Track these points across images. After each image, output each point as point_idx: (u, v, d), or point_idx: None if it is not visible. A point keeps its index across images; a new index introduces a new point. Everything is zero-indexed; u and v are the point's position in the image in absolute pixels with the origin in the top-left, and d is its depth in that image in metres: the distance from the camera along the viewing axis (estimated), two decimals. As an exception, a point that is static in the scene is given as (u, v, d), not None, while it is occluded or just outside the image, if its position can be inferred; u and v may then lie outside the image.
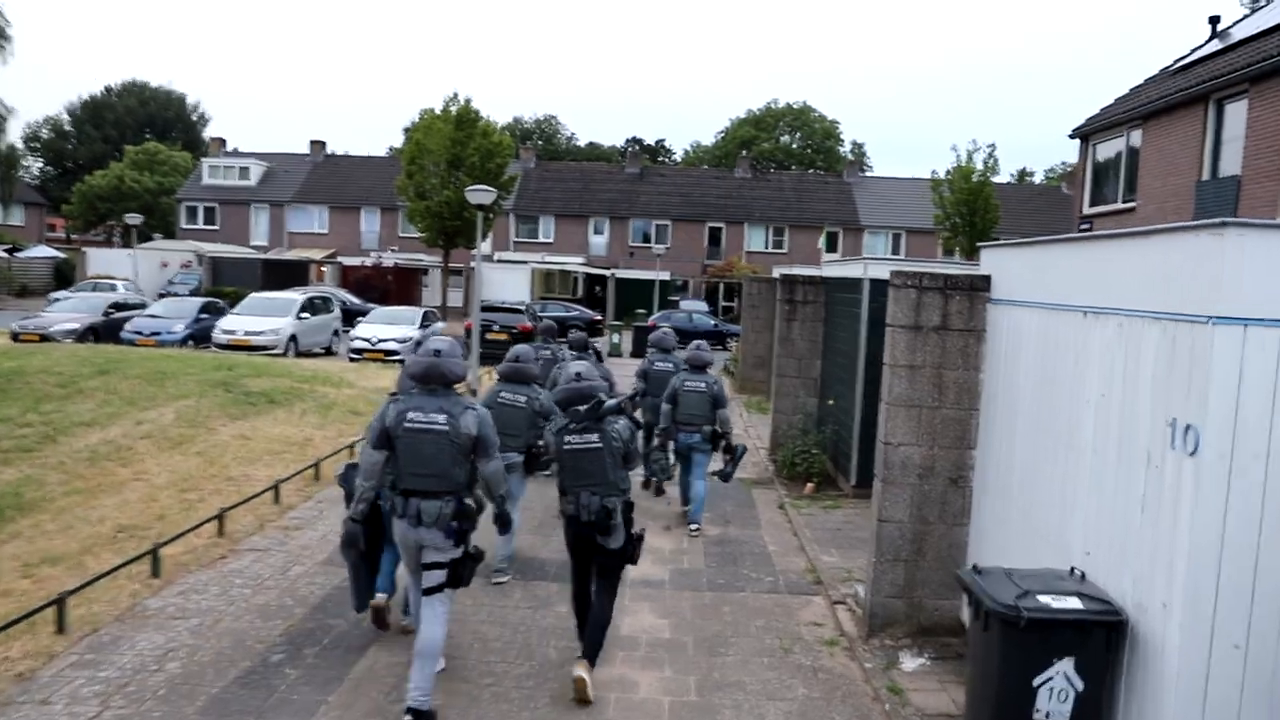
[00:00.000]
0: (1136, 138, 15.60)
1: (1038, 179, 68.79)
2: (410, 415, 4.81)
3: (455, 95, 33.00)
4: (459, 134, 32.06)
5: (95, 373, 13.40)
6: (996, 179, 34.90)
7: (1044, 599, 4.10)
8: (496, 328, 22.23)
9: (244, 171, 52.44)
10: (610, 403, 5.53)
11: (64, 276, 45.74)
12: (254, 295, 24.61)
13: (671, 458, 9.02)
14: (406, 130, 33.81)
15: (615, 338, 28.53)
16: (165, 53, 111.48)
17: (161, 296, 33.35)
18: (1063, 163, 75.70)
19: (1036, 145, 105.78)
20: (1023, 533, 5.41)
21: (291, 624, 6.14)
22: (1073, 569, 4.49)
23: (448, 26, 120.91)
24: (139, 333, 21.90)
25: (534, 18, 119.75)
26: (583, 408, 5.42)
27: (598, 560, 5.52)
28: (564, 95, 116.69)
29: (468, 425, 4.81)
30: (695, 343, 9.31)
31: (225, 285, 40.79)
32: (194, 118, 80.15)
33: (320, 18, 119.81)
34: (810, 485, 10.49)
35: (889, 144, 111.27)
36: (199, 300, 24.61)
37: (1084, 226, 18.02)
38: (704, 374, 8.98)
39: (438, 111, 32.94)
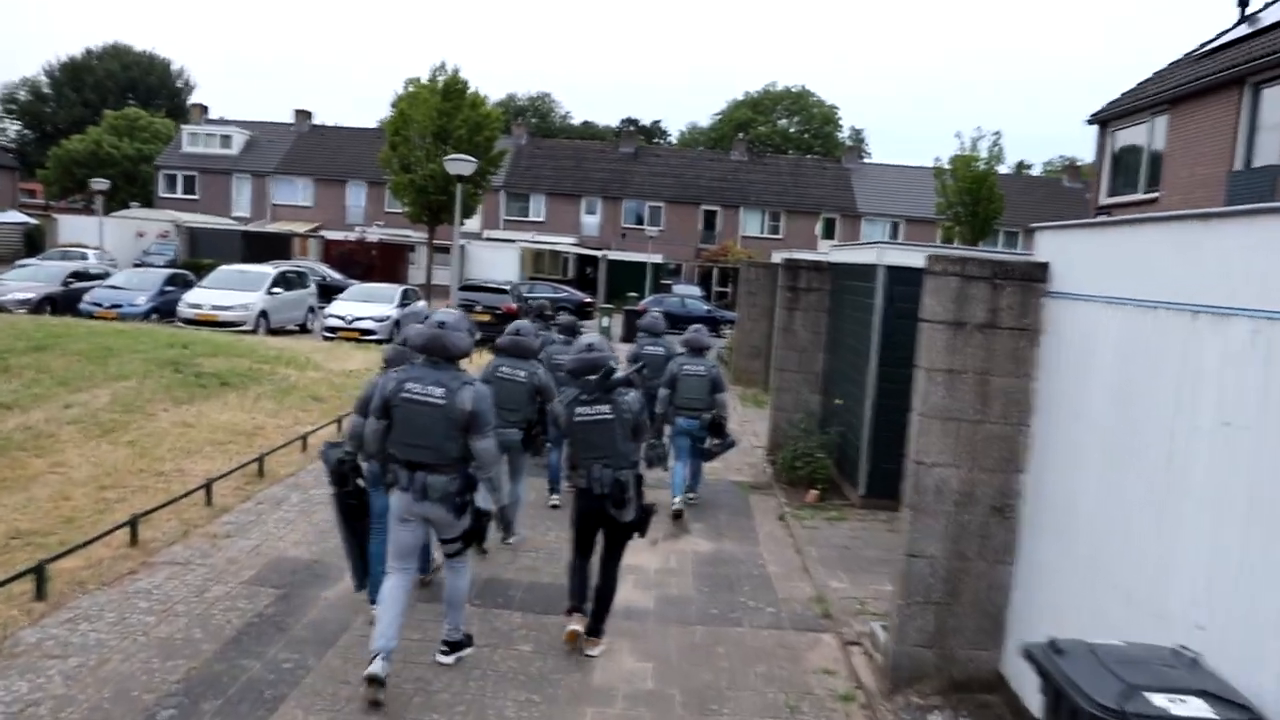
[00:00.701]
0: (1161, 125, 14.57)
1: (1035, 172, 67.69)
2: (408, 386, 4.78)
3: (443, 65, 31.67)
4: (446, 105, 30.76)
5: (30, 348, 12.26)
6: (1001, 169, 33.74)
7: (1158, 700, 3.04)
8: (479, 308, 21.09)
9: (226, 140, 50.95)
10: (620, 374, 5.56)
11: (35, 244, 44.26)
12: (223, 268, 23.38)
13: (668, 443, 8.55)
14: (393, 103, 32.16)
15: (604, 321, 27.43)
16: (147, 15, 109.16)
17: (136, 266, 32.14)
18: (1061, 156, 74.85)
19: (1034, 137, 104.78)
20: (1089, 583, 4.37)
21: (195, 666, 5.06)
22: (1181, 648, 3.44)
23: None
24: (98, 304, 20.71)
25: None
26: (594, 377, 5.44)
27: (606, 532, 5.56)
28: (559, 73, 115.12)
29: (463, 400, 4.74)
30: (694, 326, 9.21)
31: (203, 257, 39.38)
32: (179, 84, 78.13)
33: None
34: (813, 493, 9.45)
35: (888, 132, 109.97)
36: (165, 271, 23.39)
37: (1102, 219, 16.95)
38: (703, 357, 8.84)
39: (424, 81, 31.52)
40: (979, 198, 32.54)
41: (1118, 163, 16.74)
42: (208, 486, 7.94)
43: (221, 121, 53.86)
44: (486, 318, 21.20)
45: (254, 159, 50.58)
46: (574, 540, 5.70)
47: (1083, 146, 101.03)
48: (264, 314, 21.34)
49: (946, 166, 33.84)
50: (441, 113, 30.52)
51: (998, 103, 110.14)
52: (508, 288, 22.25)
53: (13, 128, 76.65)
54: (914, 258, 8.53)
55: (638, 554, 7.40)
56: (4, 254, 44.21)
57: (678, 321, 31.61)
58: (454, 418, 4.72)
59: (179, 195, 50.23)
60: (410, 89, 31.64)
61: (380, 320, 21.28)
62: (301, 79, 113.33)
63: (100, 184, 28.52)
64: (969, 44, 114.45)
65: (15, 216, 49.09)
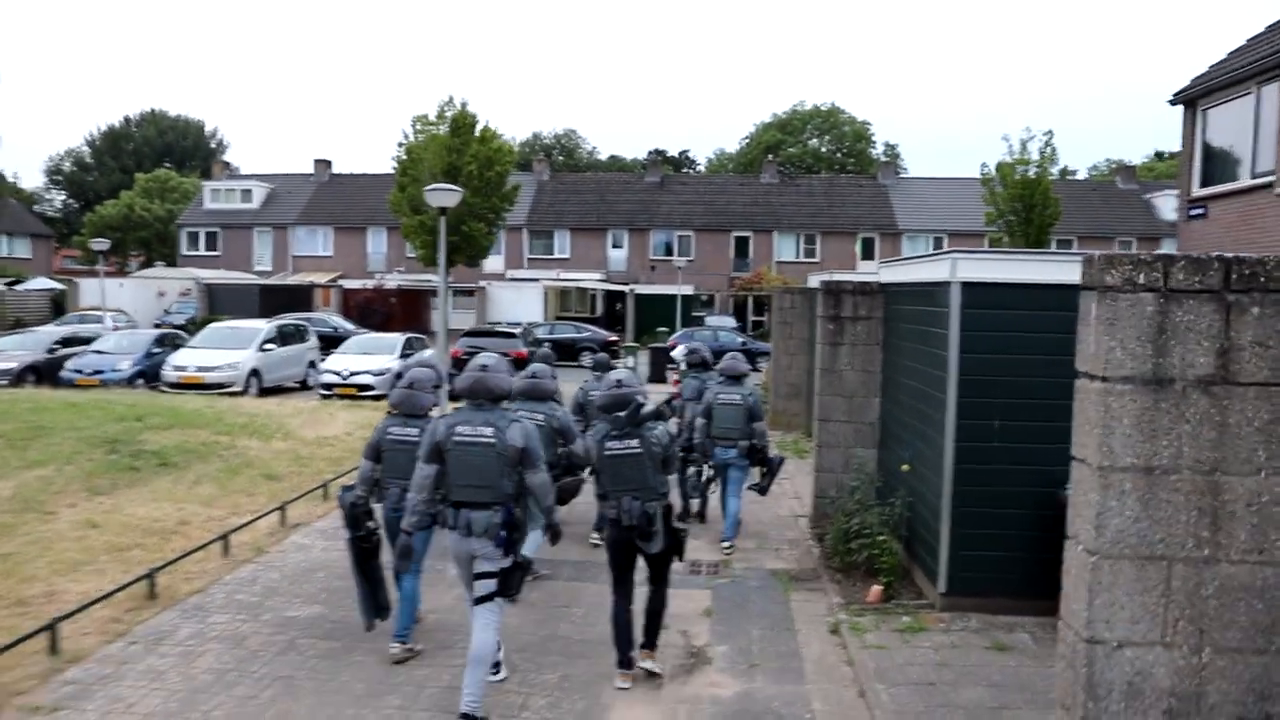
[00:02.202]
0: (1272, 95, 12.17)
1: (1079, 177, 64.56)
2: (459, 429, 4.95)
3: (450, 100, 30.06)
4: (455, 141, 29.07)
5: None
6: (1055, 171, 31.12)
7: None
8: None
9: (246, 194, 50.08)
10: (649, 408, 5.66)
11: (61, 309, 43.68)
12: (213, 325, 21.82)
13: (706, 473, 8.88)
14: (400, 142, 30.63)
15: (630, 361, 25.29)
16: (180, 81, 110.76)
17: (157, 327, 30.86)
18: (1107, 159, 71.70)
19: (1074, 143, 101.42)
20: None
21: None
22: None
23: (462, 41, 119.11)
24: (79, 371, 19.13)
25: (549, 32, 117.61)
26: (623, 414, 5.55)
27: (645, 560, 5.69)
28: (583, 110, 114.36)
29: (514, 437, 4.92)
30: (730, 353, 9.08)
31: (222, 313, 38.23)
32: (212, 145, 79.16)
33: (333, 39, 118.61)
34: (876, 589, 7.14)
35: (923, 146, 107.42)
36: (153, 333, 21.75)
37: (1196, 213, 14.50)
38: (739, 385, 8.67)
39: (431, 118, 29.94)
40: (1032, 204, 29.94)
41: (1210, 148, 14.30)
42: (52, 627, 5.88)
43: (242, 176, 53.16)
44: (495, 365, 19.20)
45: (274, 211, 49.61)
46: (613, 577, 5.74)
47: (1130, 148, 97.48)
48: (255, 373, 19.57)
49: (994, 173, 31.26)
50: (450, 149, 28.82)
51: (1033, 109, 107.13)
52: (518, 331, 20.26)
53: (58, 198, 78.25)
54: (1004, 268, 6.31)
55: (633, 706, 5.20)
56: (31, 320, 43.65)
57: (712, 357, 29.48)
58: (506, 455, 4.90)
59: (201, 252, 49.36)
60: (418, 127, 29.99)
61: (379, 374, 19.37)
62: (325, 130, 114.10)
63: (101, 244, 27.32)
64: (998, 52, 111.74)
65: (44, 283, 48.64)
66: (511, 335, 20.07)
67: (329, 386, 19.26)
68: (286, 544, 8.42)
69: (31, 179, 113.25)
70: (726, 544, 8.50)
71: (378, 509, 6.10)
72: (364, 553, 5.96)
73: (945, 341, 6.64)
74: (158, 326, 32.07)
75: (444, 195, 13.05)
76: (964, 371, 6.51)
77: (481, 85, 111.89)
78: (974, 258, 6.60)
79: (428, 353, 22.35)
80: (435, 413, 5.96)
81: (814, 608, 7.10)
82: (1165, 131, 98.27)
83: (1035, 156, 30.30)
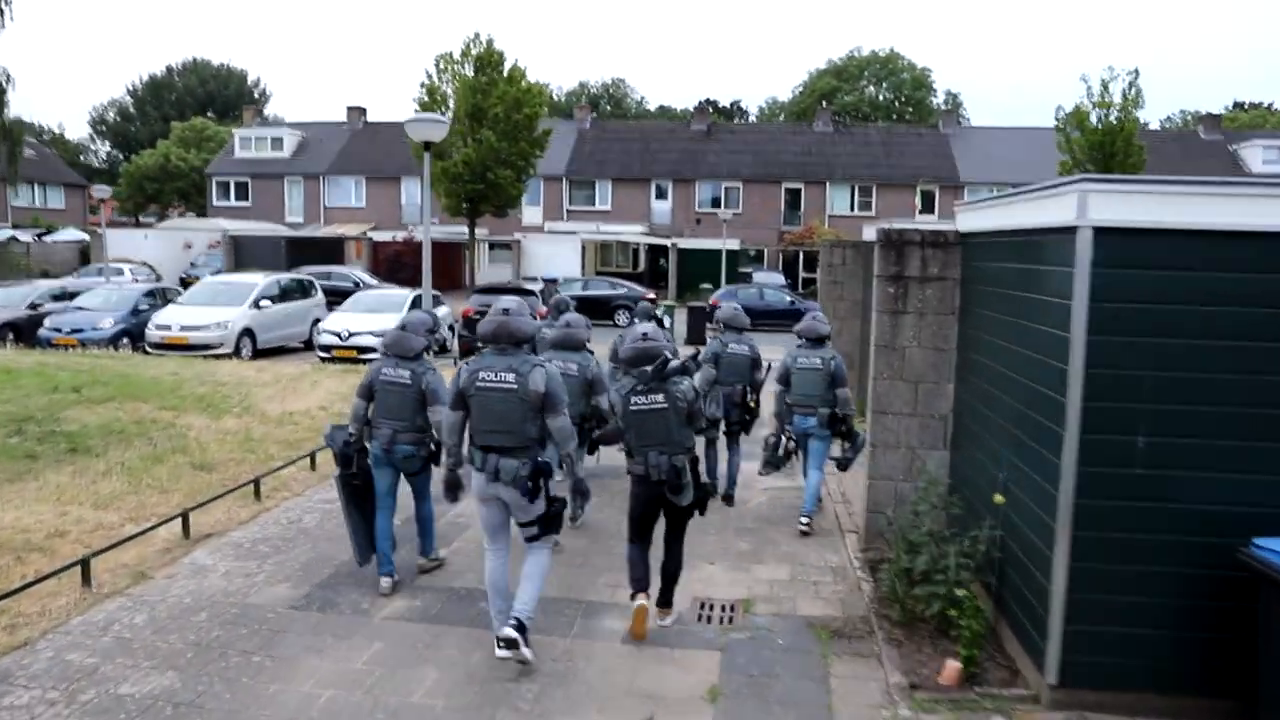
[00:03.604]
0: None
1: (1152, 128, 60.08)
2: (481, 375, 4.98)
3: (476, 36, 27.81)
4: (480, 81, 26.89)
5: None
6: (1140, 116, 27.87)
7: None
8: (499, 315, 17.09)
9: (277, 142, 48.50)
10: (675, 363, 5.53)
11: (89, 260, 42.86)
12: (206, 280, 20.21)
13: (784, 444, 8.04)
14: (423, 83, 28.48)
15: (665, 321, 23.15)
16: (224, 29, 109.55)
17: (183, 281, 29.56)
18: (1181, 110, 66.75)
19: (1145, 94, 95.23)
20: None
21: None
22: None
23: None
24: (58, 330, 17.65)
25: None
26: (649, 367, 5.43)
27: (667, 515, 5.65)
28: (632, 60, 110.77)
29: (536, 382, 4.92)
30: (811, 313, 8.29)
31: (248, 267, 36.91)
32: (255, 94, 78.21)
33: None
34: (954, 668, 5.02)
35: (987, 96, 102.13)
36: (141, 288, 20.13)
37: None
38: (820, 348, 7.90)
39: (456, 56, 27.75)
40: (1113, 153, 26.88)
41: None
42: None
43: (273, 124, 51.62)
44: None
45: (306, 161, 47.98)
46: (633, 525, 5.72)
47: (1206, 98, 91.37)
48: (248, 333, 17.88)
49: (1070, 117, 28.14)
50: (475, 89, 26.65)
51: (1098, 59, 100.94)
52: (538, 289, 18.23)
53: (103, 149, 78.26)
54: (1167, 206, 4.10)
55: None
56: (58, 272, 42.91)
57: (756, 317, 27.05)
58: (528, 400, 4.90)
59: (231, 203, 48.05)
60: (441, 66, 27.83)
61: (383, 335, 17.50)
62: (365, 80, 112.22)
63: (102, 190, 25.72)
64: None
65: (73, 234, 47.96)
66: (530, 293, 18.01)
67: (327, 348, 17.50)
68: (180, 566, 6.56)
69: (77, 129, 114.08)
70: (805, 520, 7.78)
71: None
72: (355, 491, 6.09)
73: (1063, 316, 4.43)
74: (183, 280, 30.78)
75: (426, 127, 10.96)
76: (1094, 362, 4.31)
77: (529, 33, 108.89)
78: (1115, 189, 4.32)
79: (442, 310, 20.54)
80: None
81: (864, 691, 5.00)
82: (1244, 80, 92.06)
83: (1117, 99, 27.13)
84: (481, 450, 4.98)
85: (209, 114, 69.87)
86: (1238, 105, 66.48)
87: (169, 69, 77.58)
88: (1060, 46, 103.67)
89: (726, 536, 7.55)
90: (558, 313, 8.81)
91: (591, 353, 7.30)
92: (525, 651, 4.97)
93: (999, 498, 5.17)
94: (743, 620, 5.92)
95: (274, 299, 18.88)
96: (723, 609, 6.08)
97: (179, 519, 7.09)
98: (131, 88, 76.04)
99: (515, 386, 4.89)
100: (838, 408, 7.69)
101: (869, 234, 13.65)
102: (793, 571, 6.80)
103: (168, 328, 17.20)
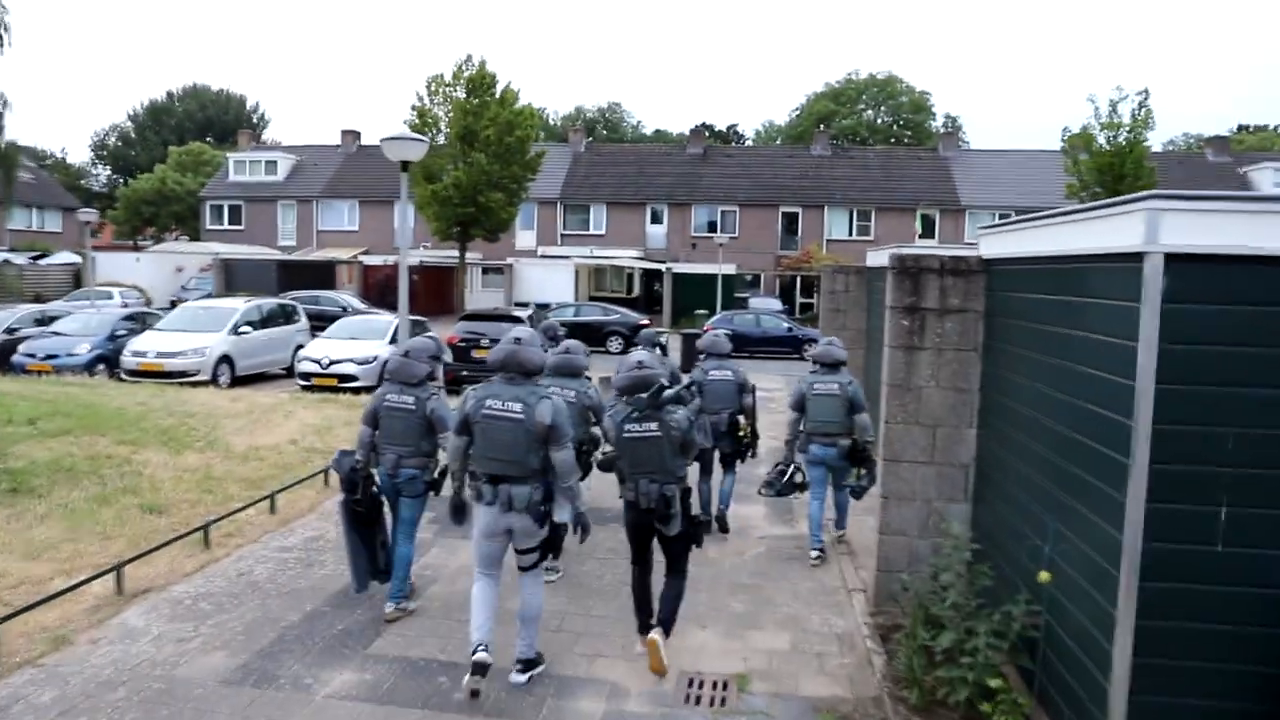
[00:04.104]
0: None
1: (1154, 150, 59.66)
2: (488, 402, 4.98)
3: (469, 58, 27.32)
4: (471, 103, 26.36)
5: None
6: (1149, 137, 27.28)
7: None
8: (485, 342, 16.39)
9: (271, 166, 48.02)
10: (669, 391, 5.47)
11: (81, 283, 42.23)
12: (185, 305, 19.52)
13: (799, 475, 7.77)
14: (414, 106, 27.93)
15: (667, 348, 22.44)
16: (223, 56, 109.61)
17: (173, 304, 28.90)
18: (1184, 134, 66.40)
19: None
20: None
21: None
22: None
23: (505, 13, 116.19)
24: (31, 356, 16.94)
25: (595, 3, 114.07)
26: (644, 395, 5.40)
27: (662, 544, 5.58)
28: (628, 85, 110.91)
29: (542, 414, 4.91)
30: (825, 339, 8.15)
31: (240, 290, 36.31)
32: (254, 119, 78.09)
33: (378, 14, 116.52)
34: (987, 771, 4.30)
35: (986, 120, 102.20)
36: (120, 312, 19.44)
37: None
38: (837, 373, 7.63)
39: (448, 79, 27.24)
40: (1122, 175, 26.32)
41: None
42: None
43: (266, 147, 51.17)
44: (496, 354, 16.42)
45: (299, 184, 47.47)
46: (633, 553, 5.69)
47: (1207, 123, 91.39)
48: (226, 359, 17.16)
49: (1077, 138, 27.61)
50: (466, 111, 26.11)
51: (1097, 84, 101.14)
52: (525, 315, 17.53)
53: (103, 173, 78.02)
54: (1262, 230, 3.41)
55: None
56: (51, 295, 42.26)
57: (752, 345, 26.59)
58: (534, 431, 4.90)
59: (225, 226, 47.48)
60: (432, 89, 27.33)
61: (365, 363, 16.84)
62: (363, 107, 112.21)
63: (89, 214, 25.01)
64: (1061, 23, 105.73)
65: (67, 257, 47.37)
66: (517, 319, 17.31)
67: (307, 376, 16.78)
68: (107, 629, 5.83)
69: (79, 154, 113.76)
70: (840, 532, 8.01)
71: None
72: (359, 517, 6.02)
73: (1123, 360, 3.74)
74: (173, 303, 30.11)
75: (404, 147, 10.34)
76: (1164, 416, 3.61)
77: (526, 57, 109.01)
78: (1194, 207, 3.61)
79: (425, 338, 19.84)
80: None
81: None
82: (1245, 104, 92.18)
83: (1127, 120, 26.62)
84: (491, 481, 4.99)
85: (208, 139, 69.68)
86: (1242, 128, 66.15)
87: (169, 94, 77.70)
88: (1057, 72, 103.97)
89: (719, 594, 6.83)
90: (548, 338, 8.69)
91: (590, 379, 7.26)
92: (521, 678, 5.23)
93: (1045, 575, 4.43)
94: (737, 701, 5.19)
95: (255, 325, 18.18)
96: (714, 687, 5.35)
97: (114, 572, 6.36)
98: (132, 113, 76.02)
99: (521, 417, 4.91)
100: (856, 435, 7.50)
101: (873, 259, 13.02)
102: (794, 639, 6.07)
103: (143, 354, 16.48)
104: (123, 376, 16.51)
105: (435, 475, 6.12)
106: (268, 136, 71.75)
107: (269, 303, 19.64)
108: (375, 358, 16.80)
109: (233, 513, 7.92)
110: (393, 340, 17.91)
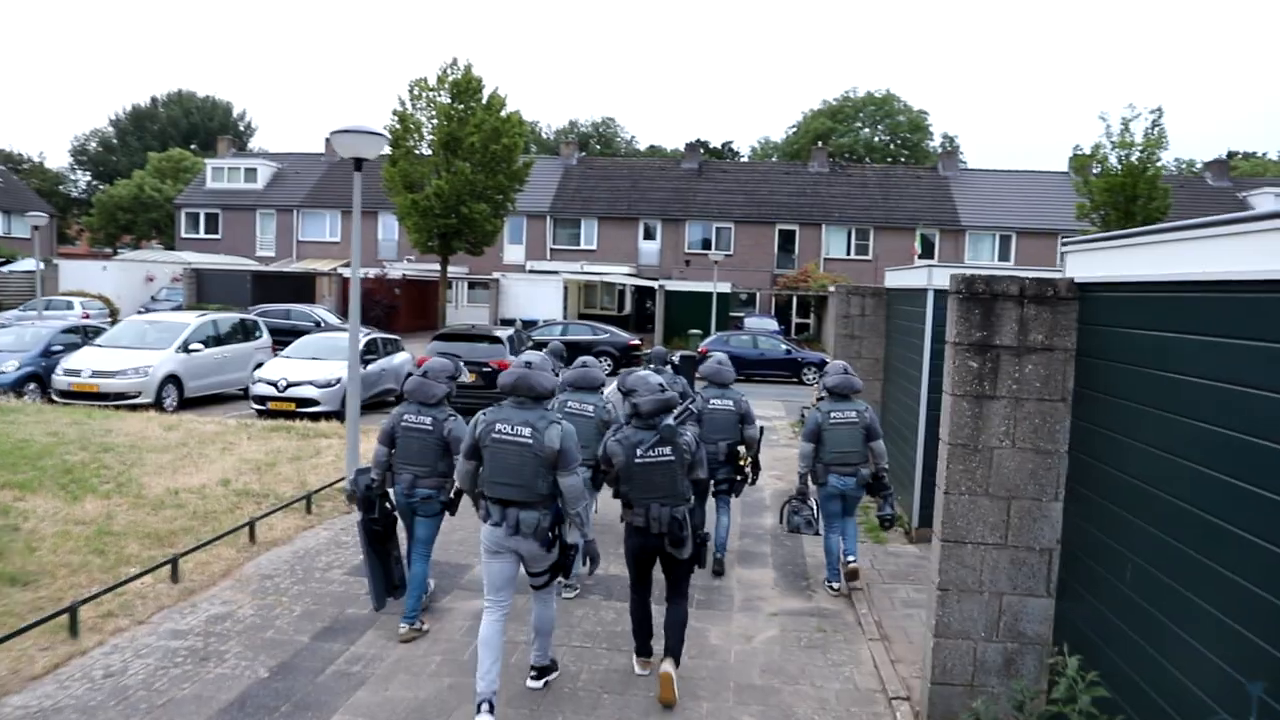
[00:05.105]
0: None
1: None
2: (498, 427, 4.94)
3: (454, 62, 25.92)
4: (456, 108, 24.96)
5: None
6: (1163, 156, 26.08)
7: None
8: (460, 365, 14.86)
9: (250, 173, 46.50)
10: (679, 410, 5.42)
11: (44, 293, 40.52)
12: (130, 320, 17.93)
13: (814, 508, 7.53)
14: (395, 110, 26.49)
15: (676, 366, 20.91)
16: (211, 63, 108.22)
17: (141, 314, 27.30)
18: (1176, 159, 65.55)
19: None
20: None
21: None
22: None
23: (498, 25, 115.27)
24: (-52, 375, 15.31)
25: (589, 16, 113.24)
26: (663, 419, 5.28)
27: (666, 568, 5.46)
28: (623, 100, 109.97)
29: (551, 439, 4.88)
30: (839, 365, 7.52)
31: (212, 302, 34.72)
32: (240, 127, 76.74)
33: (369, 22, 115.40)
34: None
35: (983, 141, 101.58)
36: (55, 325, 17.84)
37: None
38: (852, 402, 7.29)
39: (432, 83, 25.85)
40: (1134, 195, 25.08)
41: None
42: None
43: (246, 154, 49.69)
44: (470, 377, 14.93)
45: (280, 193, 45.97)
46: (632, 575, 5.58)
47: (1199, 149, 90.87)
48: (173, 380, 15.60)
49: (1090, 158, 26.36)
50: (450, 116, 24.70)
51: (1090, 111, 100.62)
52: (505, 336, 16.02)
53: (83, 179, 76.55)
54: None
55: None
56: (12, 303, 40.59)
57: (749, 368, 25.09)
58: (542, 456, 4.86)
59: (201, 235, 45.89)
60: (415, 93, 25.92)
61: (328, 385, 15.31)
62: (350, 115, 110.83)
63: (38, 218, 23.41)
64: (1058, 45, 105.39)
65: (30, 264, 45.77)
66: (495, 340, 15.79)
67: (262, 399, 15.24)
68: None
69: (58, 159, 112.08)
70: (851, 559, 7.30)
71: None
72: (376, 535, 6.07)
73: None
74: (140, 313, 28.54)
75: (357, 141, 8.87)
76: None
77: (519, 74, 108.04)
78: None
79: (402, 356, 18.35)
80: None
81: None
82: (1235, 132, 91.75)
83: (1139, 139, 25.40)
84: (500, 504, 4.94)
85: (192, 146, 68.30)
86: (1232, 154, 65.59)
87: (153, 100, 76.42)
88: (1050, 95, 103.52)
89: (724, 702, 5.34)
90: (556, 359, 8.75)
91: (603, 394, 7.17)
92: (536, 684, 5.31)
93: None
94: None
95: (207, 342, 16.63)
96: None
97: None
98: (114, 117, 74.60)
99: (530, 442, 4.86)
100: (874, 462, 7.22)
101: (893, 280, 11.61)
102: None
103: (77, 373, 14.91)
104: (54, 398, 14.97)
105: (451, 495, 5.98)
106: (254, 144, 70.40)
107: (226, 317, 18.09)
108: (339, 380, 15.28)
109: (117, 585, 6.37)
110: (363, 360, 16.43)
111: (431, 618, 6.37)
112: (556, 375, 6.85)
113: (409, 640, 5.96)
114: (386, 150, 27.48)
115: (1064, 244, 5.14)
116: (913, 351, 9.27)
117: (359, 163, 9.18)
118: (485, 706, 4.75)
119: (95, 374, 14.81)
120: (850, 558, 7.29)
